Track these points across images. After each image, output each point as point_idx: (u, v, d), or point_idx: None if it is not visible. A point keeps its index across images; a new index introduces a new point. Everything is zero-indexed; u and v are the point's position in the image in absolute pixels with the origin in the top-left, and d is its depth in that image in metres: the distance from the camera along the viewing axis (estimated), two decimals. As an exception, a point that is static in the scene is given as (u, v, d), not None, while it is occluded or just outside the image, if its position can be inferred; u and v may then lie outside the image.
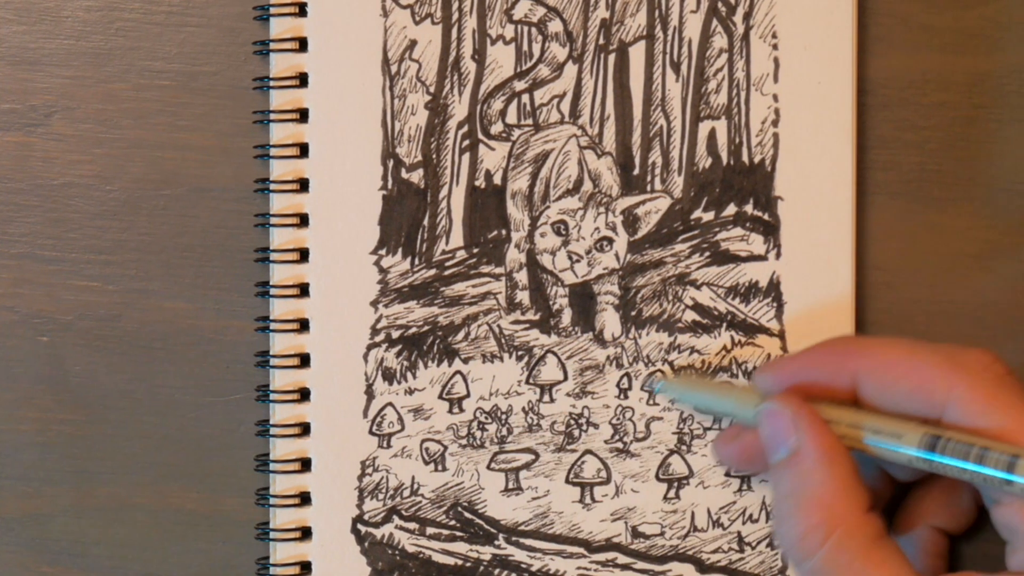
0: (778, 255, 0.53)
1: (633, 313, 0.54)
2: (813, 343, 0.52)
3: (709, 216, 0.53)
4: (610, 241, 0.54)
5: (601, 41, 0.54)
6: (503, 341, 0.54)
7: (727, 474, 0.53)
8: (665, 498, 0.54)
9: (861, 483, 0.47)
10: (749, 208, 0.53)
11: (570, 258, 0.54)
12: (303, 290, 0.54)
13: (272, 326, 0.54)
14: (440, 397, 0.54)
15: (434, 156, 0.54)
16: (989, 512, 0.47)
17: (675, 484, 0.54)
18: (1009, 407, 0.45)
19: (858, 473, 0.47)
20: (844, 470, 0.47)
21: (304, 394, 0.54)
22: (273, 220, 0.54)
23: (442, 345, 0.54)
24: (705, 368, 0.54)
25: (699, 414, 0.53)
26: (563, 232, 0.54)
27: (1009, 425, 0.45)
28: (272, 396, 0.54)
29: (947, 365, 0.46)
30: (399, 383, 0.54)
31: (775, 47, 0.53)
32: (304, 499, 0.54)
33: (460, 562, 0.54)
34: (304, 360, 0.54)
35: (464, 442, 0.54)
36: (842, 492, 0.46)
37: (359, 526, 0.54)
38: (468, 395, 0.54)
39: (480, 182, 0.54)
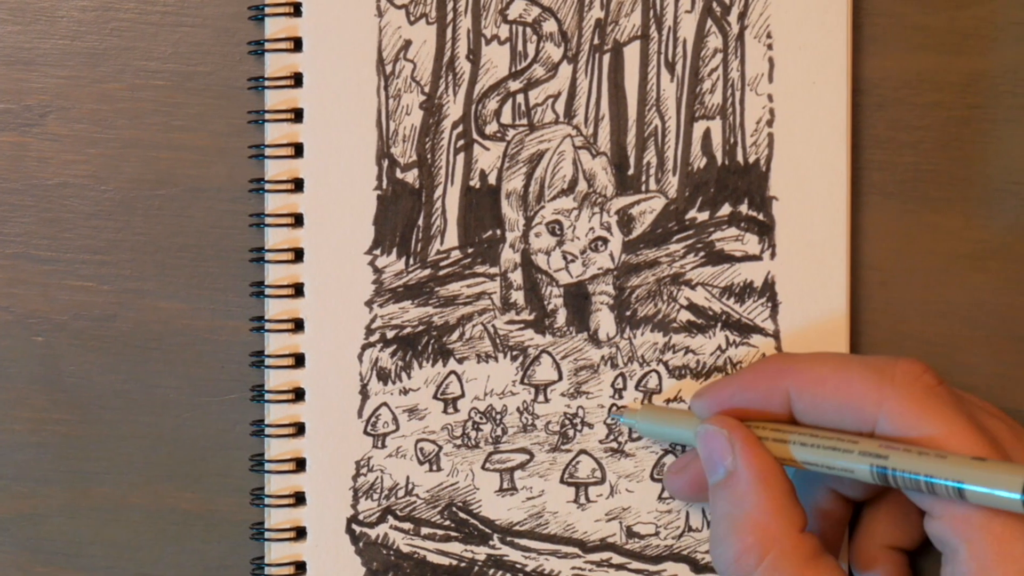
0: (773, 255, 0.53)
1: (628, 313, 0.54)
2: (807, 344, 0.53)
3: (704, 216, 0.53)
4: (605, 241, 0.54)
5: (596, 41, 0.54)
6: (498, 341, 0.54)
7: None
8: (660, 498, 0.54)
9: (796, 503, 0.47)
10: (744, 208, 0.53)
11: (565, 258, 0.54)
12: (298, 290, 0.54)
13: (267, 326, 0.54)
14: (435, 397, 0.54)
15: (429, 156, 0.54)
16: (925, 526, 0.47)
17: (670, 484, 0.54)
18: (938, 417, 0.45)
19: (793, 493, 0.47)
20: (778, 491, 0.47)
21: (299, 394, 0.54)
22: (268, 220, 0.54)
23: (437, 345, 0.54)
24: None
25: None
26: (558, 232, 0.54)
27: (938, 435, 0.45)
28: (267, 396, 0.54)
29: (876, 379, 0.46)
30: (394, 383, 0.54)
31: (770, 47, 0.53)
32: (299, 499, 0.54)
33: (455, 562, 0.54)
34: (299, 360, 0.54)
35: (459, 442, 0.54)
36: (776, 512, 0.46)
37: (354, 526, 0.54)
38: (463, 395, 0.54)
39: (475, 182, 0.54)
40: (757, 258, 0.53)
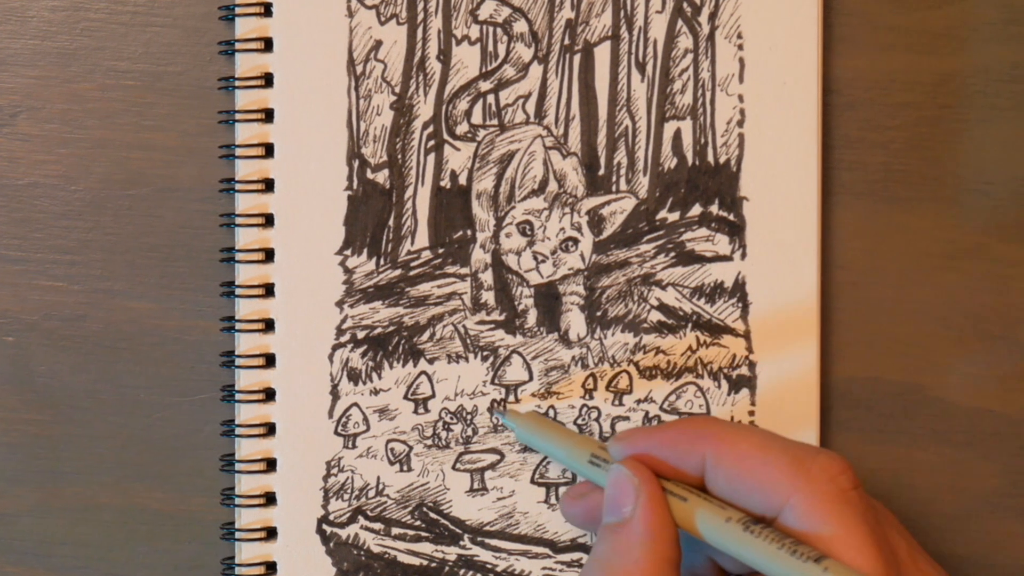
0: (743, 255, 0.53)
1: (598, 313, 0.54)
2: (777, 344, 0.53)
3: (674, 216, 0.53)
4: (575, 241, 0.54)
5: (566, 41, 0.54)
6: (468, 341, 0.54)
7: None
8: (630, 498, 0.54)
9: (676, 573, 0.46)
10: (714, 208, 0.53)
11: (535, 258, 0.54)
12: (268, 290, 0.54)
13: (237, 326, 0.54)
14: (405, 397, 0.54)
15: (399, 156, 0.54)
16: None
17: (640, 484, 0.54)
18: (840, 522, 0.44)
19: (678, 563, 0.46)
20: (663, 556, 0.46)
21: (269, 394, 0.54)
22: (238, 220, 0.54)
23: (407, 345, 0.54)
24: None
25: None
26: (528, 232, 0.54)
27: (835, 538, 0.44)
28: (237, 396, 0.54)
29: (792, 469, 0.45)
30: (364, 383, 0.54)
31: (740, 47, 0.53)
32: (269, 499, 0.54)
33: (425, 562, 0.54)
34: (269, 360, 0.54)
35: (429, 442, 0.54)
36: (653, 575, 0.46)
37: (324, 526, 0.54)
38: (433, 395, 0.54)
39: (445, 182, 0.54)
40: (728, 258, 0.53)
